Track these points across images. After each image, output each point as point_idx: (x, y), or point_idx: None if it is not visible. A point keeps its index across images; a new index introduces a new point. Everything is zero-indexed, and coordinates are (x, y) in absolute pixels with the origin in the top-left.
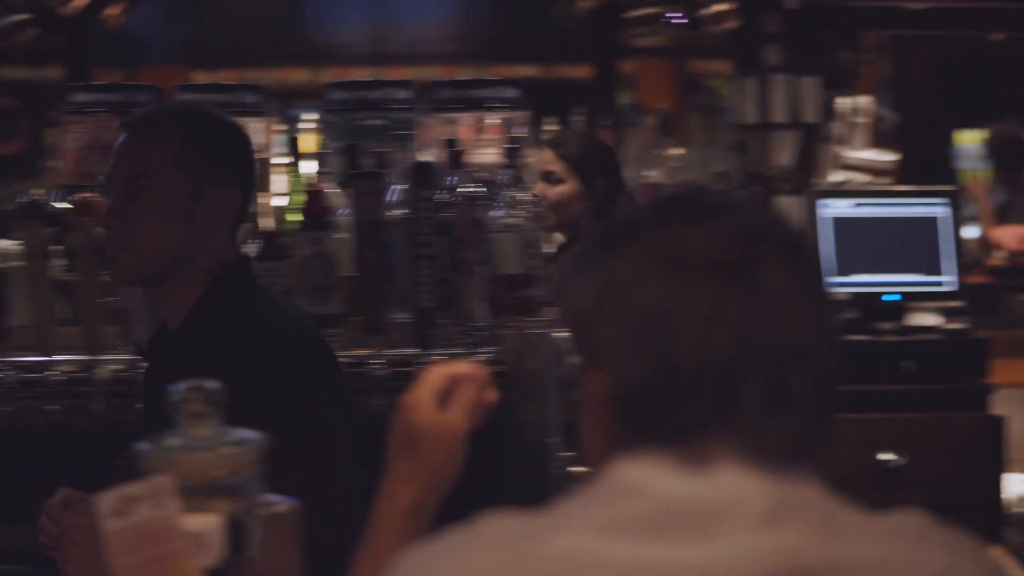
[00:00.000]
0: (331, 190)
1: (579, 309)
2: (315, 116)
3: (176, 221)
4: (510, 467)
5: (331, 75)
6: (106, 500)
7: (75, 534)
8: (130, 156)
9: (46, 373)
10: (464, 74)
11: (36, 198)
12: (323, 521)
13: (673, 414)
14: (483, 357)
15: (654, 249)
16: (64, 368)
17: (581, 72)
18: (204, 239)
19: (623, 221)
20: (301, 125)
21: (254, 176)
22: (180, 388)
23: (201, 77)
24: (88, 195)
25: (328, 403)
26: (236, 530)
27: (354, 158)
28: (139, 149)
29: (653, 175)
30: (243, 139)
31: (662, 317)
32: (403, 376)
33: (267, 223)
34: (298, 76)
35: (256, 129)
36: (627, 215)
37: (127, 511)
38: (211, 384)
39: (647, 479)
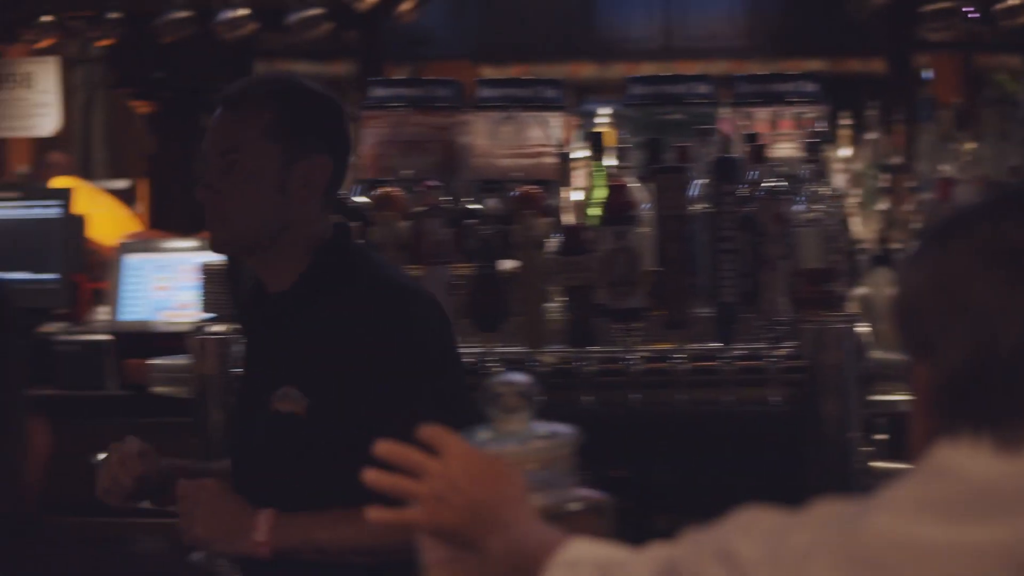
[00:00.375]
0: (633, 184)
1: (908, 301)
2: (609, 110)
3: (268, 193)
4: (811, 462)
5: (619, 70)
6: None
7: (200, 493)
8: (223, 130)
9: None
10: (752, 69)
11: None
12: None
13: (991, 401)
14: (784, 351)
15: (984, 243)
16: None
17: (872, 66)
18: (298, 209)
19: (954, 216)
20: (596, 120)
21: (347, 146)
22: (496, 382)
23: (488, 72)
24: (389, 189)
25: (457, 359)
26: (549, 523)
27: (656, 152)
28: (232, 123)
29: (947, 170)
30: (336, 109)
31: (987, 308)
32: (705, 371)
33: (568, 218)
34: (586, 71)
35: (556, 124)
36: (958, 210)
37: None
38: (523, 378)
39: (962, 462)
